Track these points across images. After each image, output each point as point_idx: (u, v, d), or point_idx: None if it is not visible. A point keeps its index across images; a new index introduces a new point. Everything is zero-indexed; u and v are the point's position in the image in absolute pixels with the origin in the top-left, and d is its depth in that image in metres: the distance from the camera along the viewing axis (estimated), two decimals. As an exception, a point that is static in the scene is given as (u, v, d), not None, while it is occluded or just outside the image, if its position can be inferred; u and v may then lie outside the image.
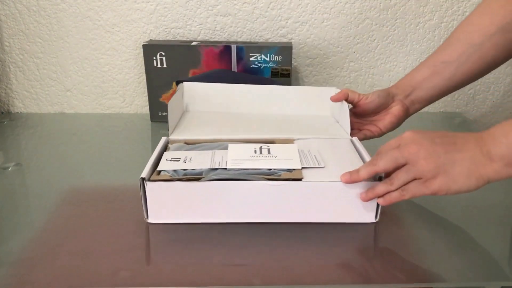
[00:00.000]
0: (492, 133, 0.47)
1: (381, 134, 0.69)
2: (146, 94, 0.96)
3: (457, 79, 0.66)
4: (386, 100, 0.67)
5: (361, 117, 0.70)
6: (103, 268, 0.47)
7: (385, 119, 0.68)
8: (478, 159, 0.47)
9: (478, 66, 0.64)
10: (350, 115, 0.68)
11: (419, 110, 0.69)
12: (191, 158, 0.58)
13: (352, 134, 0.68)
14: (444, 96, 0.69)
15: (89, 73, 0.97)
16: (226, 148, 0.61)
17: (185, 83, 0.79)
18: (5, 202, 0.61)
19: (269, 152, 0.59)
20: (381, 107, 0.68)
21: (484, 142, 0.47)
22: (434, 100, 0.69)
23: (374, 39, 0.97)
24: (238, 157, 0.57)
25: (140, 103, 1.00)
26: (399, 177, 0.50)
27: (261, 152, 0.59)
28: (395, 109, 0.67)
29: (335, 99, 0.69)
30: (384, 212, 0.56)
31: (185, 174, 0.54)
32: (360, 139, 0.66)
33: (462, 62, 0.64)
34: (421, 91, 0.67)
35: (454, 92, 1.02)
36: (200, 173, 0.54)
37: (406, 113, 0.68)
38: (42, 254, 0.50)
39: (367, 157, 0.60)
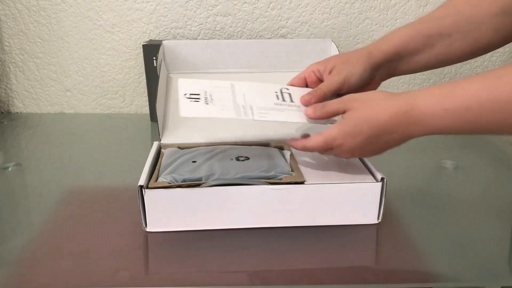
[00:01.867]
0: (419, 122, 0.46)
1: None
2: (146, 94, 0.96)
3: (444, 57, 0.59)
4: (369, 79, 0.59)
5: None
6: (103, 268, 0.47)
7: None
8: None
9: (472, 46, 0.58)
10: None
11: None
12: (211, 95, 0.52)
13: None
14: (421, 71, 0.63)
15: (89, 73, 0.97)
16: (222, 151, 0.61)
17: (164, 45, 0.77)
18: (5, 202, 0.61)
19: (291, 100, 0.55)
20: (364, 85, 0.59)
21: (411, 135, 0.48)
22: (407, 74, 0.62)
23: (374, 39, 0.97)
24: (263, 104, 0.53)
25: (140, 103, 1.00)
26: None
27: (283, 99, 0.54)
28: (372, 88, 0.61)
29: (309, 107, 0.56)
30: (386, 214, 0.56)
31: (184, 180, 0.54)
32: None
33: (457, 38, 0.57)
34: (407, 63, 0.60)
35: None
36: (200, 179, 0.54)
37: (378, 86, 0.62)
38: (42, 254, 0.50)
39: (366, 157, 0.60)
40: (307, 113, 0.54)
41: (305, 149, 0.54)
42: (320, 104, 0.54)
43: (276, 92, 0.56)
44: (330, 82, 0.57)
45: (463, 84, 0.44)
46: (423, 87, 1.01)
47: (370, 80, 0.59)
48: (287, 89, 0.58)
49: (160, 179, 0.54)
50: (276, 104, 0.55)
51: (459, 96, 0.44)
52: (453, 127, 0.45)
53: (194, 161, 0.59)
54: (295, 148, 0.56)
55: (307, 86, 0.61)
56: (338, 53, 0.80)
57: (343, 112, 0.51)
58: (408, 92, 0.48)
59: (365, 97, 0.50)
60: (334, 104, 0.53)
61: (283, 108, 0.55)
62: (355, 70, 0.57)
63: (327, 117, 0.54)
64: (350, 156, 0.53)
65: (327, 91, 0.57)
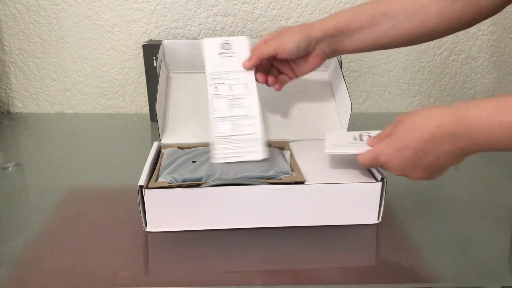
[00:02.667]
0: (470, 135, 0.44)
1: (295, 78, 0.65)
2: (146, 94, 0.96)
3: (390, 37, 0.59)
4: (306, 49, 0.61)
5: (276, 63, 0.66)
6: (103, 268, 0.47)
7: (302, 67, 0.63)
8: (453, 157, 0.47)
9: (417, 29, 0.57)
10: (266, 62, 0.65)
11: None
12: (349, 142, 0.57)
13: (268, 85, 0.65)
14: (365, 52, 0.63)
15: (89, 73, 0.97)
16: None
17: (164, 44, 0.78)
18: (5, 202, 0.61)
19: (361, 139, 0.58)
20: (300, 56, 0.62)
21: (461, 149, 0.46)
22: (354, 52, 0.63)
23: (374, 39, 0.97)
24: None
25: (140, 103, 1.00)
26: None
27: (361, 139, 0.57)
28: (314, 60, 0.62)
29: (248, 67, 0.62)
30: (386, 214, 0.56)
31: (184, 180, 0.54)
32: (279, 89, 0.65)
33: (402, 19, 0.57)
34: (350, 40, 0.60)
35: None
36: (200, 179, 0.54)
37: (323, 61, 0.64)
38: (42, 254, 0.50)
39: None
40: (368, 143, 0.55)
41: (359, 163, 0.53)
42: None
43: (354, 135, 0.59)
44: (266, 46, 0.61)
45: None
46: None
47: (307, 51, 0.61)
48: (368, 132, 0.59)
49: (160, 179, 0.54)
50: (351, 142, 0.58)
51: (510, 108, 0.41)
52: (507, 141, 0.42)
53: (194, 161, 0.59)
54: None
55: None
56: None
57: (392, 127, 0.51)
58: (460, 103, 0.45)
59: (413, 112, 0.48)
60: (388, 129, 0.52)
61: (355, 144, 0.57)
62: (291, 39, 0.59)
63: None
64: (401, 173, 0.50)
65: (261, 54, 0.61)
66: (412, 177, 0.50)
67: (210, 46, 0.65)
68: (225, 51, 0.64)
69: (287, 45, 0.59)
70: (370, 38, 0.59)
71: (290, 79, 0.65)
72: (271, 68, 0.65)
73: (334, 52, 0.62)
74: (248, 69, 0.62)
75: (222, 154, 0.59)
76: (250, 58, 0.62)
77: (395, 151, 0.48)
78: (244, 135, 0.60)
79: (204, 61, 0.63)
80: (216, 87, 0.62)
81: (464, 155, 0.46)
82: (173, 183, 0.53)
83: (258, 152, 0.59)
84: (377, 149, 0.51)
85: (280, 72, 0.65)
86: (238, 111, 0.61)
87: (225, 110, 0.61)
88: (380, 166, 0.52)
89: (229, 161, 0.58)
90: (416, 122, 0.47)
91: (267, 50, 0.61)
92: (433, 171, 0.48)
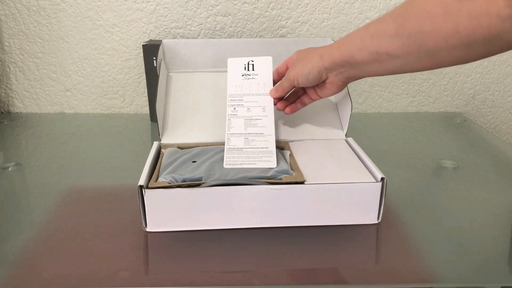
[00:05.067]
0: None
1: (319, 99, 0.66)
2: (146, 94, 0.96)
3: (399, 72, 0.56)
4: (318, 79, 0.61)
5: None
6: (103, 268, 0.47)
7: (323, 92, 0.63)
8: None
9: (427, 67, 0.53)
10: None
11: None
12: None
13: (285, 112, 0.67)
14: (382, 76, 0.67)
15: (89, 73, 0.97)
16: (222, 151, 0.61)
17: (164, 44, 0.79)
18: (5, 202, 0.61)
19: None
20: (311, 87, 0.64)
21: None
22: (369, 76, 0.61)
23: (374, 39, 0.97)
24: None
25: (140, 103, 1.00)
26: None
27: None
28: (331, 86, 0.62)
29: (275, 96, 0.66)
30: (386, 214, 0.56)
31: (184, 180, 0.54)
32: (289, 113, 0.67)
33: (410, 62, 0.52)
34: (359, 71, 0.58)
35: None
36: (200, 179, 0.54)
37: (343, 87, 0.63)
38: (42, 254, 0.50)
39: (364, 157, 0.60)
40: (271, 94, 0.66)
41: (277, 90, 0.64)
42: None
43: None
44: (286, 80, 0.64)
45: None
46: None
47: (320, 80, 0.61)
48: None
49: (160, 179, 0.54)
50: None
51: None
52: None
53: (194, 161, 0.59)
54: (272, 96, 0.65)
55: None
56: None
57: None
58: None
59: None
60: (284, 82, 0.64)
61: None
62: (302, 71, 0.61)
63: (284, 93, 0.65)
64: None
65: (284, 88, 0.65)
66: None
67: (234, 66, 0.67)
68: (248, 72, 0.67)
69: (299, 78, 0.61)
70: (377, 71, 0.57)
71: (313, 100, 0.66)
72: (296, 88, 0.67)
73: (349, 79, 0.61)
74: (275, 98, 0.66)
75: (234, 161, 0.59)
76: (276, 90, 0.65)
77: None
78: (257, 148, 0.61)
79: (227, 79, 0.66)
80: (234, 108, 0.64)
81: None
82: (173, 183, 0.53)
83: (270, 162, 0.59)
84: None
85: (304, 92, 0.67)
86: (253, 129, 0.63)
87: (241, 128, 0.63)
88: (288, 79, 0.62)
89: (241, 167, 0.58)
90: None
91: (287, 85, 0.64)
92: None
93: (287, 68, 0.65)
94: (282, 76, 0.65)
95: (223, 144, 0.64)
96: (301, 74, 0.61)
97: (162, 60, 0.77)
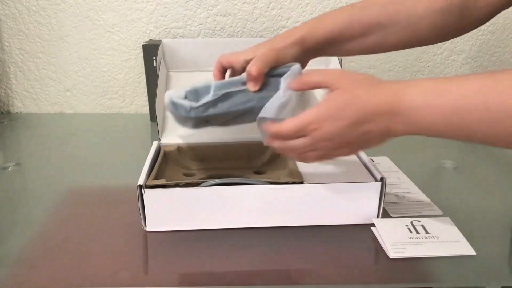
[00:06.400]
0: (406, 113, 0.42)
1: None
2: (146, 94, 0.96)
3: (378, 46, 0.57)
4: (302, 61, 0.55)
5: None
6: (102, 268, 0.47)
7: None
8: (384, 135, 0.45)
9: (408, 39, 0.56)
10: None
11: None
12: None
13: None
14: (350, 56, 0.60)
15: (89, 73, 0.97)
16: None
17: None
18: (5, 202, 0.61)
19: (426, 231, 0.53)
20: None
21: (391, 129, 0.44)
22: (335, 56, 0.60)
23: (374, 39, 0.97)
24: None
25: (140, 103, 1.00)
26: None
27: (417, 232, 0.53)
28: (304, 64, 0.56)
29: (254, 89, 0.52)
30: (386, 214, 0.56)
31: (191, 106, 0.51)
32: None
33: (395, 31, 0.55)
34: (338, 49, 0.57)
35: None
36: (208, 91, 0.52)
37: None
38: (42, 254, 0.50)
39: (365, 157, 0.60)
40: (288, 86, 0.49)
41: (278, 134, 0.47)
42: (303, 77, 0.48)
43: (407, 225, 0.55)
44: (263, 60, 0.51)
45: (458, 81, 0.41)
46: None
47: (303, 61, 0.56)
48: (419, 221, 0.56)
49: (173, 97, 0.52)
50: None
51: (449, 94, 0.40)
52: (438, 127, 0.41)
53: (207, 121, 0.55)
54: (268, 132, 0.49)
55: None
56: None
57: (327, 88, 0.46)
58: (399, 82, 0.44)
59: (354, 78, 0.45)
60: (316, 75, 0.47)
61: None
62: (285, 60, 0.53)
63: (307, 89, 0.49)
64: (323, 149, 0.46)
65: (260, 69, 0.51)
66: (330, 152, 0.47)
67: None
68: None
69: (285, 60, 0.53)
70: (358, 46, 0.56)
71: None
72: None
73: (314, 56, 0.57)
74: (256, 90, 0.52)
75: None
76: (256, 80, 0.51)
77: (329, 122, 0.44)
78: None
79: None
80: None
81: (391, 136, 0.45)
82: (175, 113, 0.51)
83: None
84: (308, 117, 0.45)
85: None
86: None
87: None
88: (304, 134, 0.45)
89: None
90: (360, 94, 0.43)
91: (265, 66, 0.52)
92: (357, 145, 0.46)
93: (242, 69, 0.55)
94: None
95: (223, 143, 0.64)
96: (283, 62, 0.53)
97: (162, 60, 0.77)
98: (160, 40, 0.83)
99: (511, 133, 0.38)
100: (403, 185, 0.66)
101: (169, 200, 0.52)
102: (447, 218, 0.55)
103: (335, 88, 0.45)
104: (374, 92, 0.44)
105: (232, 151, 0.65)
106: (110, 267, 0.47)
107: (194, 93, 0.52)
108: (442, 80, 0.42)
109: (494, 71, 0.40)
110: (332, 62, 0.78)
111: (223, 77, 0.57)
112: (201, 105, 0.51)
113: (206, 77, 0.59)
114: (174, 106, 0.52)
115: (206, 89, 0.52)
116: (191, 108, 0.51)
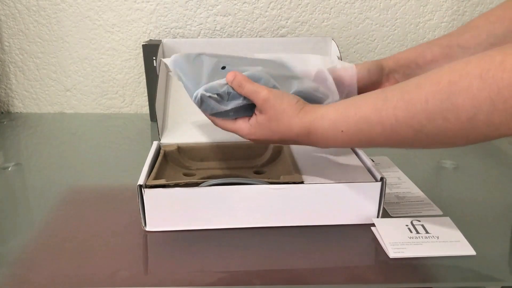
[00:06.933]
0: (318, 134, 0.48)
1: None
2: (146, 94, 0.96)
3: None
4: (377, 77, 0.60)
5: None
6: (102, 268, 0.47)
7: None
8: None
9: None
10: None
11: None
12: None
13: None
14: None
15: (89, 73, 0.97)
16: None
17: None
18: (5, 202, 0.61)
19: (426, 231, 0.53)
20: (370, 85, 0.60)
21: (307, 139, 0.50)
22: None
23: (374, 39, 0.97)
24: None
25: (140, 103, 1.00)
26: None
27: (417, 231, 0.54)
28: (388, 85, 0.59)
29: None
30: (386, 214, 0.56)
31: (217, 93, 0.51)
32: None
33: (478, 51, 0.54)
34: (424, 71, 0.58)
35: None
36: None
37: None
38: (42, 254, 0.50)
39: (365, 158, 0.60)
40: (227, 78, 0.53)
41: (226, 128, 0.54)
42: (243, 78, 0.52)
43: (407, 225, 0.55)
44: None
45: (357, 104, 0.46)
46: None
47: (379, 77, 0.59)
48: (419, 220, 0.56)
49: (199, 91, 0.52)
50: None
51: (352, 118, 0.45)
52: (352, 144, 0.48)
53: (224, 67, 0.55)
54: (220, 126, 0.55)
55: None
56: (338, 51, 0.81)
57: (258, 109, 0.51)
58: (315, 110, 0.48)
59: (280, 109, 0.49)
60: (253, 88, 0.51)
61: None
62: (361, 65, 0.59)
63: (239, 92, 0.52)
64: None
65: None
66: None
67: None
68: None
69: (358, 68, 0.59)
70: None
71: None
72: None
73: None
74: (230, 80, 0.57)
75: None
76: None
77: (260, 139, 0.52)
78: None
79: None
80: None
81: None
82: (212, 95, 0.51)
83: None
84: (245, 130, 0.52)
85: None
86: None
87: None
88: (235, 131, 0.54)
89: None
90: (280, 127, 0.50)
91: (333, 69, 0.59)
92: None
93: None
94: None
95: (223, 143, 0.64)
96: (360, 67, 0.59)
97: (162, 60, 0.77)
98: (160, 40, 0.83)
99: (407, 140, 0.43)
100: (403, 185, 0.66)
101: (169, 200, 0.52)
102: (447, 218, 0.55)
103: (263, 111, 0.50)
104: (292, 124, 0.49)
105: (232, 151, 0.65)
106: (110, 267, 0.47)
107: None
108: (344, 105, 0.47)
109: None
110: (333, 49, 0.79)
111: None
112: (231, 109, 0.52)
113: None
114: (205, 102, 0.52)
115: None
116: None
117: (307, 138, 0.49)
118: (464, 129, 0.39)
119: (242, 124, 0.52)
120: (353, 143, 0.47)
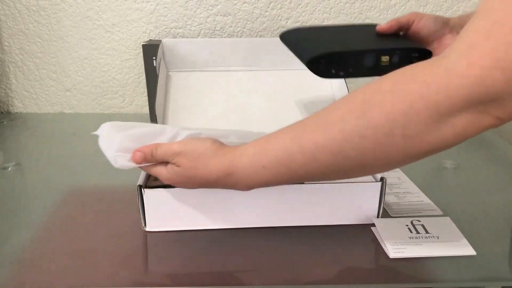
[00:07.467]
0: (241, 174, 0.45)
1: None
2: (146, 94, 0.96)
3: None
4: (441, 29, 0.59)
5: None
6: (102, 268, 0.47)
7: (436, 52, 0.59)
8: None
9: None
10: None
11: None
12: None
13: None
14: None
15: (89, 73, 0.97)
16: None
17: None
18: (4, 202, 0.61)
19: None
20: (434, 36, 0.59)
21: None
22: None
23: (374, 39, 0.97)
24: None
25: (140, 103, 1.00)
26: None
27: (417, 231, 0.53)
28: (450, 43, 0.57)
29: (384, 30, 0.60)
30: (386, 214, 0.56)
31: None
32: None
33: None
34: None
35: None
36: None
37: None
38: (42, 254, 0.50)
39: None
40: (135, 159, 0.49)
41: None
42: (150, 149, 0.49)
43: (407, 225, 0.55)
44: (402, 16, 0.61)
45: (276, 135, 0.44)
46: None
47: (443, 29, 0.58)
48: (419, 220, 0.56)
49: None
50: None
51: (272, 150, 0.43)
52: (275, 180, 0.45)
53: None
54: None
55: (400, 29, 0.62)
56: None
57: (169, 162, 0.48)
58: (234, 149, 0.46)
59: (195, 155, 0.47)
60: (164, 150, 0.48)
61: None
62: (428, 15, 0.59)
63: (157, 161, 0.49)
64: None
65: (398, 19, 0.60)
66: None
67: None
68: None
69: (424, 16, 0.58)
70: None
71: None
72: None
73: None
74: (382, 32, 0.61)
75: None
76: (388, 23, 0.60)
77: (181, 184, 0.49)
78: None
79: None
80: None
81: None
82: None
83: None
84: (166, 175, 0.49)
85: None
86: None
87: None
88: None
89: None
90: (198, 173, 0.46)
91: (404, 17, 0.60)
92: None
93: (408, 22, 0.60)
94: (402, 25, 0.60)
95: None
96: (426, 15, 0.59)
97: (162, 59, 0.77)
98: (160, 40, 0.83)
99: (328, 168, 0.42)
100: (403, 185, 0.66)
101: (169, 200, 0.52)
102: (447, 218, 0.55)
103: (177, 164, 0.47)
104: (211, 167, 0.46)
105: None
106: (110, 267, 0.47)
107: None
108: (263, 140, 0.45)
109: (301, 120, 0.44)
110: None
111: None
112: None
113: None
114: None
115: None
116: None
117: (228, 180, 0.46)
118: (383, 145, 0.39)
119: (160, 169, 0.49)
120: (276, 179, 0.44)
